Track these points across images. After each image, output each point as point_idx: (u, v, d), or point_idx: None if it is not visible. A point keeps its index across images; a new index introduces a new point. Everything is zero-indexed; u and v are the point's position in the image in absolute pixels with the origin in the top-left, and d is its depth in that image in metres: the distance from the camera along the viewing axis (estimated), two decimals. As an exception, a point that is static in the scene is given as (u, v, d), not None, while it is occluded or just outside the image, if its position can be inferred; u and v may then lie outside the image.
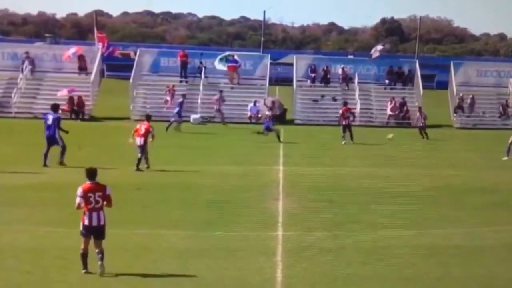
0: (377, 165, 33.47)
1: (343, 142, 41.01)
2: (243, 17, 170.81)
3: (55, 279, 15.26)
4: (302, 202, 24.04)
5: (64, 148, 29.56)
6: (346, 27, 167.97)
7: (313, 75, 57.10)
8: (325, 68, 57.34)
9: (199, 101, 52.62)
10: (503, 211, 23.79)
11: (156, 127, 31.57)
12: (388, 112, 53.85)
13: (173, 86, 52.80)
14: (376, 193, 26.25)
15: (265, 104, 52.53)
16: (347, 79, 56.71)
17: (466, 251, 18.63)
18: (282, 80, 69.62)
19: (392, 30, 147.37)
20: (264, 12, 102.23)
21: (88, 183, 15.48)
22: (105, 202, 15.50)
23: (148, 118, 31.16)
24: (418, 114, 46.63)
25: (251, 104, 51.65)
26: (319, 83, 57.04)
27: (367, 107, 54.54)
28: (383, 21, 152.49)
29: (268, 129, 41.34)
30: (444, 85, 63.61)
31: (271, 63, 60.77)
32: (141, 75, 55.28)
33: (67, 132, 29.94)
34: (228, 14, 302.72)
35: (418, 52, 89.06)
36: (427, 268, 16.97)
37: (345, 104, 44.24)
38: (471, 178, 30.52)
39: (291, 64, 60.86)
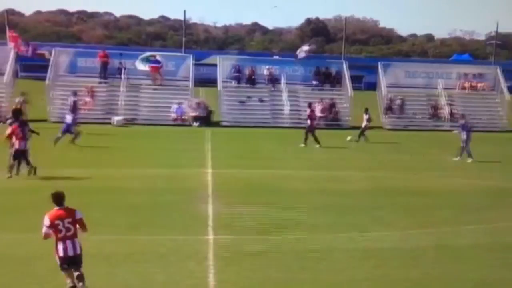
0: (310, 167, 33.59)
1: (301, 145, 41.15)
2: (162, 17, 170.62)
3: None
4: (232, 205, 23.92)
5: None
6: (270, 27, 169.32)
7: (237, 74, 57.22)
8: (250, 69, 57.52)
9: (120, 102, 52.24)
10: (436, 212, 24.14)
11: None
12: (318, 113, 54.22)
13: (92, 87, 52.22)
14: (310, 196, 26.26)
15: (189, 105, 52.49)
16: (273, 80, 56.99)
17: (401, 253, 18.84)
18: (206, 81, 69.53)
19: (317, 31, 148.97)
20: (185, 11, 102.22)
21: (55, 209, 14.20)
22: (79, 228, 14.37)
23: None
24: (365, 115, 46.77)
25: (175, 106, 51.39)
26: (245, 84, 57.17)
27: (296, 108, 54.83)
28: (308, 21, 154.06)
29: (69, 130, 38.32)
30: (372, 86, 64.49)
31: (194, 64, 60.63)
32: (58, 75, 54.50)
33: None
34: (147, 13, 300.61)
35: (345, 52, 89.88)
36: (364, 271, 17.10)
37: (310, 105, 43.76)
38: (403, 180, 30.90)
39: (215, 65, 60.87)
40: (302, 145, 41.18)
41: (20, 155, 27.98)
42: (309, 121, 41.97)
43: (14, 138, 28.04)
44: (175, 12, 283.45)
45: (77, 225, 14.33)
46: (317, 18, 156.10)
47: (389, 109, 55.85)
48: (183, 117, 51.29)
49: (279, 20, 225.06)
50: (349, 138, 43.06)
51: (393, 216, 23.27)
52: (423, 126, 55.76)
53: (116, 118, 49.76)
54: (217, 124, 52.20)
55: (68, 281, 14.28)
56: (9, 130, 28.34)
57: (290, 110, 51.85)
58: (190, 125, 50.94)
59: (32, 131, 29.27)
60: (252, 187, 27.77)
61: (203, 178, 29.22)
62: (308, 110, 42.59)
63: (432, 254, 18.79)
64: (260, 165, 34.09)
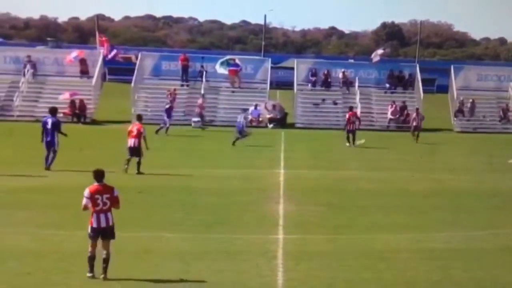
0: (378, 168, 33.48)
1: (347, 145, 41.39)
2: (244, 21, 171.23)
3: (56, 282, 15.26)
4: (302, 205, 24.03)
5: (55, 154, 29.46)
6: (346, 31, 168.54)
7: (313, 79, 57.09)
8: (325, 72, 57.34)
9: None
10: (502, 214, 23.82)
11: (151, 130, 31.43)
12: (389, 116, 53.87)
13: (175, 89, 52.83)
14: (376, 196, 26.23)
15: (266, 107, 52.62)
16: (347, 83, 56.72)
17: (466, 254, 18.64)
18: (282, 84, 69.54)
19: (392, 35, 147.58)
20: (265, 16, 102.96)
21: (95, 184, 15.40)
22: (113, 204, 15.45)
23: (139, 118, 30.97)
24: (414, 114, 46.68)
25: (252, 108, 51.64)
26: (320, 87, 57.05)
27: (368, 111, 54.51)
28: (384, 25, 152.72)
29: (241, 132, 40.30)
30: (444, 89, 63.58)
31: (272, 67, 60.74)
32: (142, 78, 55.29)
33: (66, 135, 29.87)
34: (229, 18, 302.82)
35: (418, 56, 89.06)
36: (428, 271, 16.98)
37: (351, 109, 44.26)
38: (471, 182, 30.57)
39: (292, 68, 60.85)
40: (347, 144, 41.62)
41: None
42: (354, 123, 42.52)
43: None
44: (256, 16, 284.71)
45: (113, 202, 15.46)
46: (393, 22, 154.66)
47: (459, 111, 55.06)
48: (259, 119, 51.42)
49: (355, 24, 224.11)
50: (362, 141, 42.38)
51: (456, 217, 23.06)
52: (492, 129, 54.77)
53: (194, 120, 50.17)
54: (291, 126, 52.25)
55: (90, 249, 15.41)
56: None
57: (362, 112, 51.54)
58: (265, 127, 51.05)
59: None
60: (322, 187, 27.81)
61: (275, 179, 29.38)
62: (349, 113, 42.84)
63: (498, 255, 18.53)
64: (330, 166, 34.12)
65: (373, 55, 61.60)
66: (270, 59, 61.52)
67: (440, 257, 18.21)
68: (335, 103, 54.98)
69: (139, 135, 29.15)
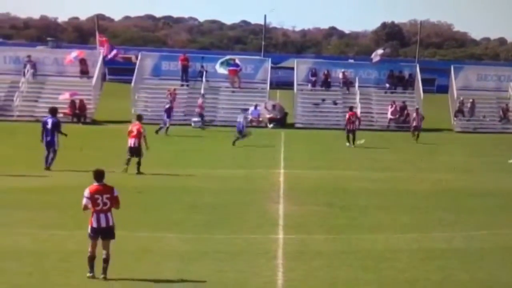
0: (378, 168, 33.50)
1: (347, 145, 41.38)
2: (244, 21, 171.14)
3: (56, 282, 15.26)
4: (302, 205, 24.06)
5: (55, 154, 29.45)
6: (346, 31, 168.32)
7: (313, 79, 57.11)
8: (325, 72, 57.35)
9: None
10: (502, 214, 23.83)
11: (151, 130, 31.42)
12: (389, 116, 53.89)
13: (175, 89, 52.82)
14: (376, 196, 26.27)
15: (266, 107, 52.64)
16: (347, 83, 56.75)
17: (466, 254, 18.64)
18: (282, 84, 69.50)
19: (392, 35, 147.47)
20: (265, 16, 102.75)
21: (95, 184, 15.41)
22: (113, 204, 15.45)
23: (139, 118, 30.98)
24: (414, 114, 46.79)
25: (252, 108, 51.62)
26: (320, 87, 57.07)
27: (368, 111, 54.54)
28: (384, 25, 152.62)
29: (241, 132, 40.15)
30: (444, 89, 63.62)
31: (272, 67, 60.74)
32: (142, 78, 55.31)
33: (66, 135, 29.87)
34: (229, 18, 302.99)
35: (418, 56, 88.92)
36: (428, 271, 16.97)
37: (351, 109, 44.26)
38: (471, 182, 30.57)
39: (292, 68, 60.89)
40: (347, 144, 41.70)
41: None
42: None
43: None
44: (256, 16, 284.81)
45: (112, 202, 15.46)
46: (393, 22, 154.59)
47: (459, 111, 55.07)
48: (259, 119, 51.44)
49: (355, 24, 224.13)
50: (362, 141, 42.32)
51: (456, 217, 23.06)
52: (492, 129, 54.79)
53: (194, 120, 50.17)
54: (291, 126, 52.27)
55: (90, 249, 15.43)
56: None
57: (362, 112, 51.53)
58: (265, 127, 51.06)
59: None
60: (322, 187, 27.85)
61: (275, 179, 29.41)
62: (348, 113, 42.88)
63: (499, 255, 18.52)
64: (330, 166, 34.14)
65: (373, 55, 61.60)
66: (270, 59, 61.54)
67: (441, 257, 18.21)
68: (335, 103, 55.00)
69: (139, 135, 29.14)
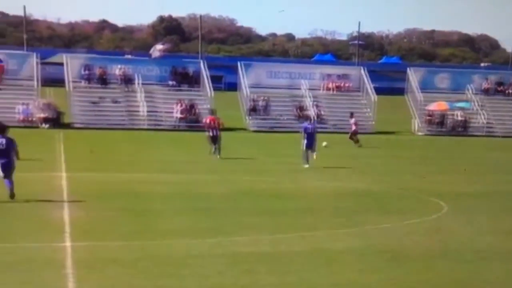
0: (169, 171, 33.83)
1: (213, 153, 39.69)
2: (1, 13, 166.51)
3: None
4: (90, 210, 23.80)
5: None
6: (120, 25, 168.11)
7: (87, 74, 56.72)
8: (100, 68, 57.15)
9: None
10: (308, 216, 24.61)
11: None
12: (178, 114, 54.42)
13: None
14: (171, 200, 26.52)
15: (38, 106, 51.86)
16: (127, 80, 56.79)
17: (274, 257, 19.04)
18: (54, 81, 68.51)
19: (171, 29, 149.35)
20: (24, 7, 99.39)
21: None
22: None
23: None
24: (353, 119, 48.06)
25: (20, 106, 50.61)
26: (96, 84, 56.73)
27: (153, 109, 54.84)
28: (161, 19, 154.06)
29: None
30: (233, 86, 65.08)
31: (39, 63, 59.78)
32: None
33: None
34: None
35: (202, 52, 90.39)
36: (234, 276, 17.18)
37: (213, 112, 42.52)
38: (271, 183, 31.48)
39: (62, 64, 60.19)
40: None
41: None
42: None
43: None
44: (14, 7, 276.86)
45: None
46: (170, 16, 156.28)
47: (253, 110, 56.50)
48: (30, 118, 50.59)
49: (129, 17, 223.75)
50: (324, 143, 42.78)
51: (259, 220, 23.55)
52: (289, 128, 56.57)
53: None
54: (69, 126, 51.63)
55: None
56: None
57: (148, 111, 51.71)
58: (38, 127, 50.18)
59: None
60: (109, 191, 27.78)
61: (57, 182, 29.02)
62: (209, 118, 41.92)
63: (307, 258, 19.05)
64: (117, 168, 34.13)
65: (152, 50, 62.29)
66: (35, 54, 60.66)
67: (247, 261, 18.51)
68: (115, 102, 54.89)
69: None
